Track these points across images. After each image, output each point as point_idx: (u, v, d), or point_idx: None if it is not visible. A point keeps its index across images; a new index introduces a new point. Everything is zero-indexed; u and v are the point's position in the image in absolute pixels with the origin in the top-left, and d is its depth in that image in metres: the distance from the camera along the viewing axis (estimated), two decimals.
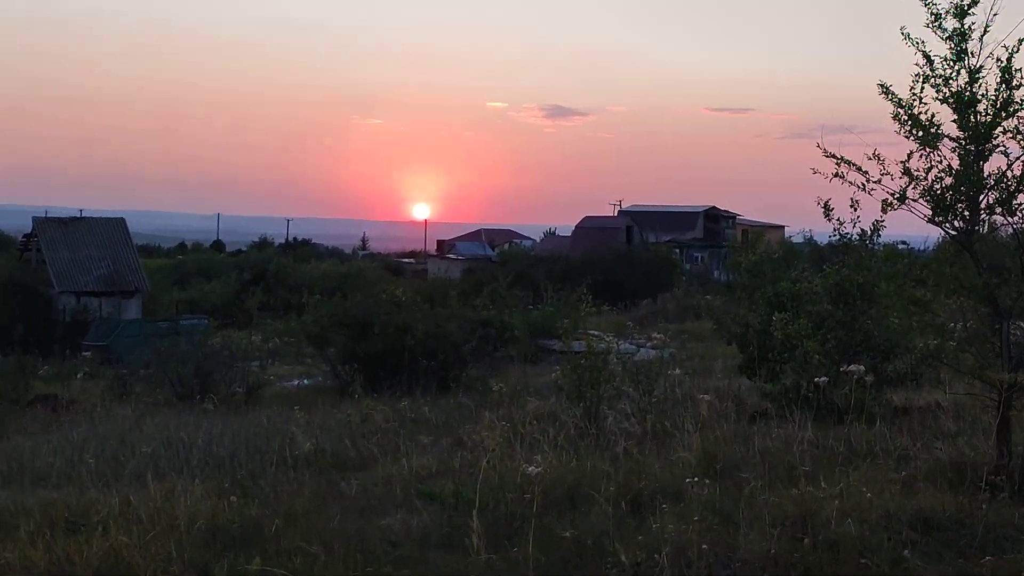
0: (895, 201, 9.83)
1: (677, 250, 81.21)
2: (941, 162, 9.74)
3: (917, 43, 9.76)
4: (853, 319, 14.05)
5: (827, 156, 9.99)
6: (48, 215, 59.74)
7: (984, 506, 8.51)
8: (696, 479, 9.18)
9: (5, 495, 11.73)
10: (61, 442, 16.06)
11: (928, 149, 9.75)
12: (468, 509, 8.81)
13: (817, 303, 14.52)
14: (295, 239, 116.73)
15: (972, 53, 9.72)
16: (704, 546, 7.77)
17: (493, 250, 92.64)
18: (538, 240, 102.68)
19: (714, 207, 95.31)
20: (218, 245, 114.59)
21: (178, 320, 43.77)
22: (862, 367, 11.58)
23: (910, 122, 9.77)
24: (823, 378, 12.20)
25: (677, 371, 16.38)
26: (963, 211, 9.77)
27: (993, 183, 9.64)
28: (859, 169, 9.89)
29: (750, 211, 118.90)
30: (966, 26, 9.69)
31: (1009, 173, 9.59)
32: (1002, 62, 9.59)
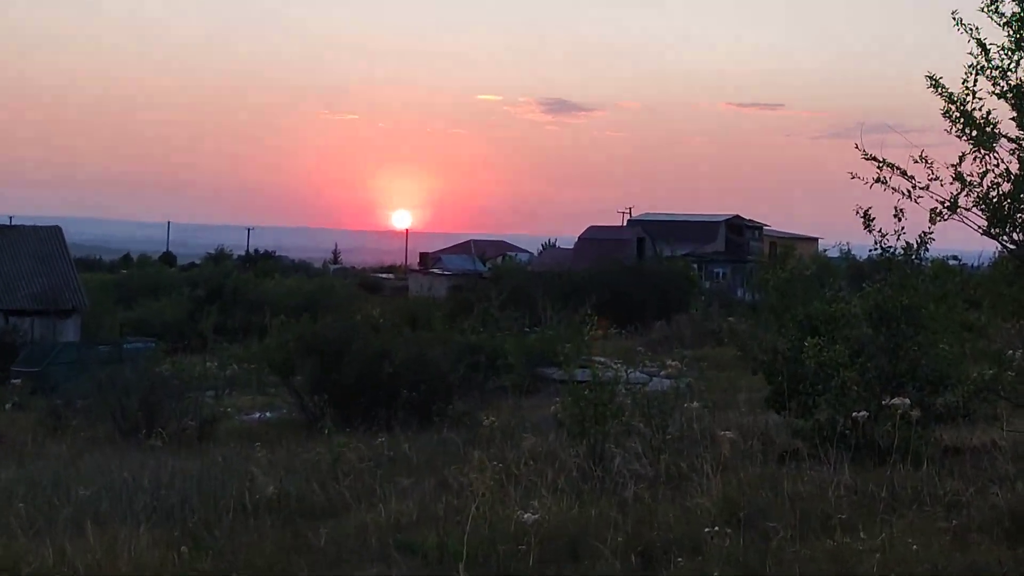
0: (945, 210, 9.88)
1: (695, 265, 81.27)
2: (998, 165, 9.79)
3: (971, 30, 9.81)
4: (897, 346, 14.05)
5: (867, 158, 10.04)
6: None
7: None
8: (716, 529, 9.17)
9: None
10: None
11: (983, 151, 9.79)
12: (454, 562, 8.79)
13: (855, 327, 14.52)
14: (256, 251, 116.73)
15: None
16: None
17: (484, 264, 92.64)
18: (536, 253, 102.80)
19: (738, 216, 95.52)
20: (168, 258, 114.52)
21: (122, 344, 43.67)
22: (907, 400, 11.59)
23: (962, 120, 9.82)
24: (862, 413, 12.20)
25: (695, 404, 16.34)
26: (1023, 222, 9.81)
27: None
28: (904, 173, 9.94)
29: (779, 221, 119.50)
30: None
31: None
32: None
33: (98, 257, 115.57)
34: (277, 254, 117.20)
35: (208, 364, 35.30)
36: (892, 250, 13.88)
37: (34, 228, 60.04)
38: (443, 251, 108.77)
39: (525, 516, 9.09)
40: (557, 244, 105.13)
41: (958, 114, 9.72)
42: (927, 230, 12.59)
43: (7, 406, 33.00)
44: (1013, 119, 9.73)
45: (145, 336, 51.23)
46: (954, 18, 9.73)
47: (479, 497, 10.16)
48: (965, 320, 10.52)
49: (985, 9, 9.75)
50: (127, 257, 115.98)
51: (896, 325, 14.22)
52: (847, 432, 13.05)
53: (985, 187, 9.67)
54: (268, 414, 27.60)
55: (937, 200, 9.78)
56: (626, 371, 16.55)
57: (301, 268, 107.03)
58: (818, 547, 8.85)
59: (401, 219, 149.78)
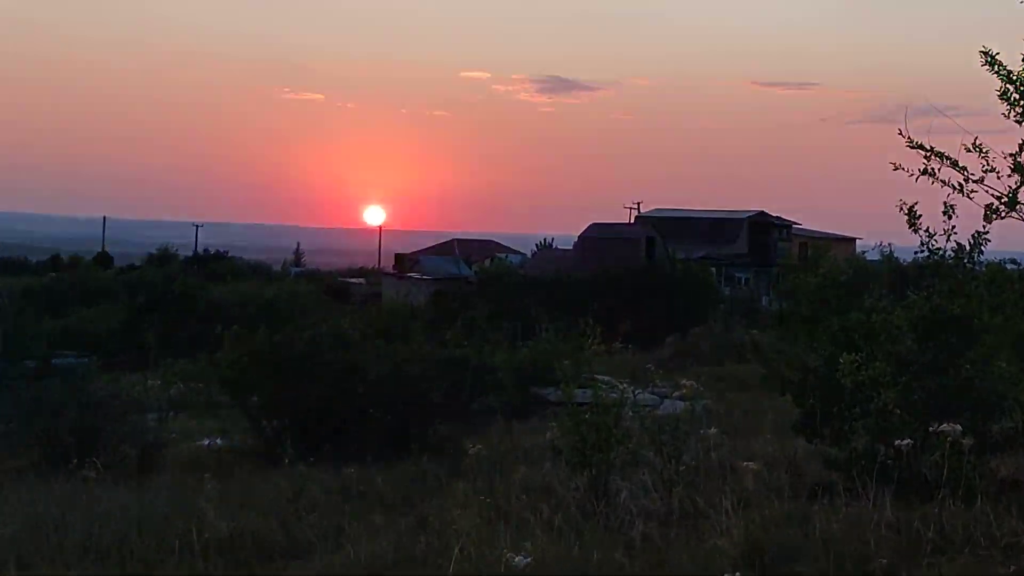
0: (1002, 207, 9.89)
1: (714, 269, 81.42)
2: None
3: None
4: (947, 363, 14.06)
5: (912, 147, 10.06)
6: None
7: None
8: (737, 574, 9.17)
9: None
10: None
11: None
12: None
13: (899, 341, 14.54)
14: (206, 251, 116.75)
15: None
16: None
17: (469, 267, 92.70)
18: (529, 255, 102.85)
19: (763, 213, 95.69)
20: (104, 258, 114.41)
21: (49, 359, 43.64)
22: (958, 426, 11.60)
23: (1023, 102, 9.83)
24: (906, 440, 12.21)
25: (713, 430, 16.37)
26: None
27: None
28: (955, 164, 9.96)
29: (811, 218, 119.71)
30: None
31: None
32: None
33: (23, 258, 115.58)
34: (230, 255, 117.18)
35: (150, 382, 35.28)
36: (941, 252, 13.88)
37: None
38: (422, 252, 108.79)
39: (516, 559, 9.09)
40: (554, 244, 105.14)
41: (1017, 95, 9.74)
42: (981, 229, 12.62)
43: None
44: None
45: (77, 350, 51.18)
46: None
47: (463, 537, 10.16)
48: None
49: None
50: (56, 258, 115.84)
51: (946, 339, 14.23)
52: (889, 463, 13.06)
53: None
54: (219, 440, 27.54)
55: (993, 195, 9.79)
56: (633, 391, 16.56)
57: (258, 271, 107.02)
58: None
59: (373, 215, 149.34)
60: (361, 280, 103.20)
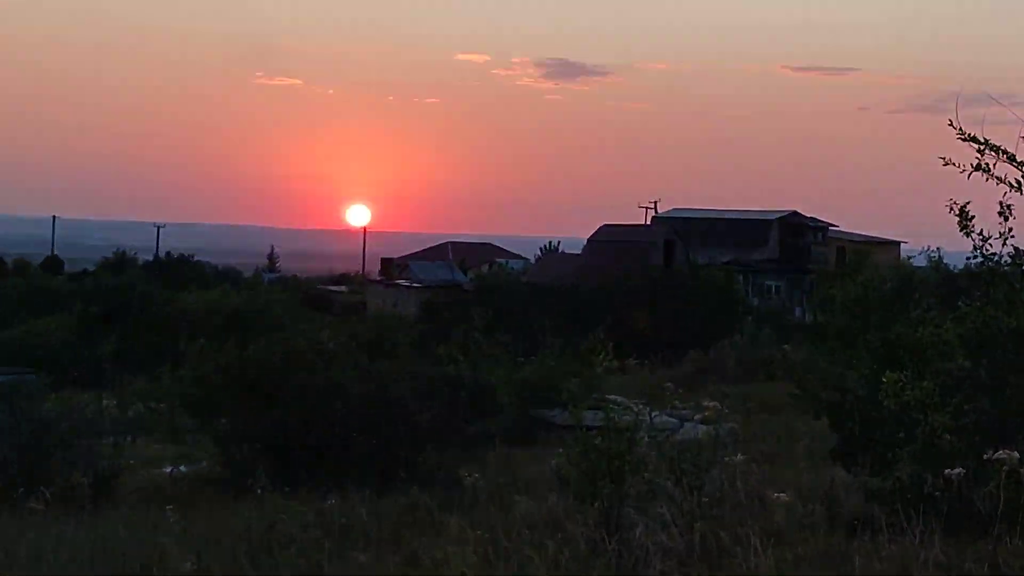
0: None
1: (740, 276, 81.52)
2: None
3: None
4: (1003, 382, 14.08)
5: (964, 139, 10.06)
6: None
7: None
8: None
9: None
10: None
11: None
12: None
13: (949, 358, 14.55)
14: (168, 255, 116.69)
15: None
16: None
17: (465, 273, 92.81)
18: (532, 260, 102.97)
19: (796, 213, 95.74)
20: (53, 262, 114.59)
21: None
22: (1016, 453, 11.61)
23: None
24: (958, 470, 12.22)
25: (739, 457, 16.40)
26: None
27: None
28: (1012, 159, 9.96)
29: (850, 220, 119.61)
30: None
31: None
32: None
33: None
34: (195, 259, 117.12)
35: (105, 402, 35.29)
36: (996, 258, 13.89)
37: None
38: (412, 256, 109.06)
39: None
40: (560, 248, 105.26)
41: None
42: None
43: None
44: None
45: (22, 366, 51.22)
46: None
47: None
48: None
49: None
50: (0, 262, 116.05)
51: (1002, 355, 14.24)
52: (937, 494, 13.07)
53: None
54: (183, 468, 27.56)
55: None
56: (650, 414, 16.57)
57: (227, 277, 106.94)
58: None
59: (356, 215, 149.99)
60: (343, 287, 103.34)
